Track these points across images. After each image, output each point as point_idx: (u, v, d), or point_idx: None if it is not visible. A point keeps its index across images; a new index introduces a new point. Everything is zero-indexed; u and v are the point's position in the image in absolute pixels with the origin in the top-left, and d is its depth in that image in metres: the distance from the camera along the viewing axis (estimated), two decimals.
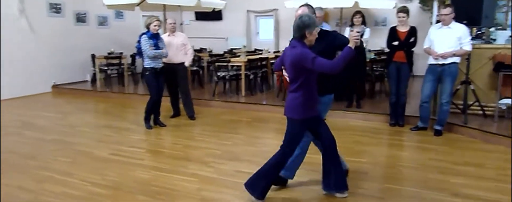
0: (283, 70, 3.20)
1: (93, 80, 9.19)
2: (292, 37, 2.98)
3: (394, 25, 5.37)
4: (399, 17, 5.19)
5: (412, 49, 5.29)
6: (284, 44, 11.11)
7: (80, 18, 9.44)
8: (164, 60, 5.57)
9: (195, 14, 12.23)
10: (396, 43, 5.21)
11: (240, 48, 10.72)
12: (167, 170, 3.92)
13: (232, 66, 7.64)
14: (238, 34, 11.96)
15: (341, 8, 9.00)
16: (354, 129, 5.44)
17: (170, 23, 5.86)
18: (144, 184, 3.58)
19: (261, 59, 7.91)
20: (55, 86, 8.90)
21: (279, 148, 3.15)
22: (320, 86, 3.09)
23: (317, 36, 2.93)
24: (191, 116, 6.06)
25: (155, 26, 5.29)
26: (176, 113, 6.20)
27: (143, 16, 11.31)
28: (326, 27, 5.51)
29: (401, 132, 5.27)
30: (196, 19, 12.39)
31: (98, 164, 4.12)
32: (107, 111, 7.12)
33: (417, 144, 4.79)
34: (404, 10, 5.20)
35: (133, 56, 9.37)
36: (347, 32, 6.02)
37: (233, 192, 3.35)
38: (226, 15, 11.93)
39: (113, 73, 8.96)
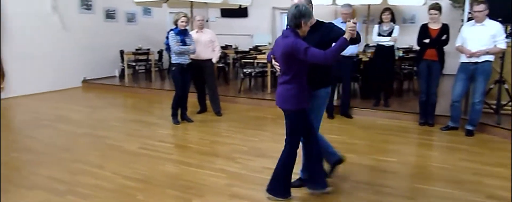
0: (273, 60, 3.11)
1: (121, 75, 9.40)
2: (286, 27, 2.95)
3: (425, 22, 5.25)
4: (431, 14, 5.07)
5: (444, 47, 5.17)
6: None
7: (110, 15, 9.65)
8: (192, 56, 5.63)
9: (220, 11, 12.30)
10: (427, 40, 5.10)
11: (265, 45, 10.73)
12: (195, 165, 3.98)
13: (258, 63, 7.65)
14: (263, 31, 11.95)
15: (369, 5, 8.87)
16: (382, 128, 5.37)
17: (198, 20, 5.92)
18: (173, 179, 3.65)
19: None
20: (85, 81, 9.14)
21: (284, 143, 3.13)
22: (317, 79, 3.06)
23: (309, 27, 2.87)
24: (218, 112, 6.11)
25: (182, 22, 5.35)
26: (203, 109, 6.27)
27: (170, 13, 11.46)
28: (337, 22, 5.49)
29: (431, 132, 5.16)
30: (222, 16, 12.45)
31: (128, 157, 4.22)
32: (135, 106, 7.27)
33: (448, 144, 4.69)
34: (436, 7, 5.08)
35: (160, 52, 9.52)
36: (375, 30, 5.93)
37: (262, 188, 3.36)
38: (251, 12, 11.93)
39: (140, 69, 9.14)
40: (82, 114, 6.31)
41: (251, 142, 4.79)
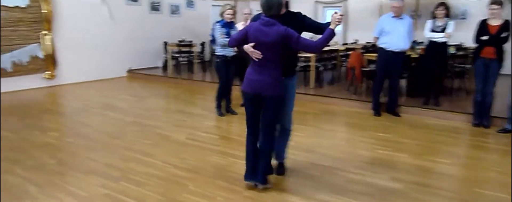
0: (250, 48, 2.95)
1: (164, 66, 9.57)
2: (259, 15, 3.09)
3: (483, 18, 4.99)
4: (492, 9, 4.80)
5: (503, 45, 4.89)
6: (353, 36, 10.93)
7: (154, 7, 9.84)
8: (236, 48, 5.61)
9: None
10: (486, 37, 4.84)
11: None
12: (241, 157, 3.93)
13: (300, 57, 7.55)
14: None
15: None
16: (432, 128, 5.17)
17: (245, 13, 5.90)
18: (221, 170, 3.67)
19: (331, 51, 7.75)
20: (130, 71, 9.39)
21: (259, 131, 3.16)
22: (289, 67, 3.18)
23: None
24: None
25: (228, 14, 5.34)
26: None
27: (212, 5, 11.57)
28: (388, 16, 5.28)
29: (486, 134, 4.91)
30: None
31: (177, 147, 4.28)
32: (178, 96, 7.39)
33: (506, 147, 4.44)
34: (497, 2, 4.80)
35: (202, 44, 9.62)
36: (428, 25, 5.69)
37: (312, 184, 3.32)
38: (293, 6, 11.62)
39: (183, 60, 9.27)
40: (129, 103, 6.48)
41: (295, 137, 4.70)
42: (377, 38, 5.58)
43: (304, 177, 3.51)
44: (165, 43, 9.30)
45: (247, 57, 3.14)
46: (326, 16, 11.97)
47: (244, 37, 3.04)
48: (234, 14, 5.43)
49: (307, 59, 7.40)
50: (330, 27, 2.87)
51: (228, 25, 5.40)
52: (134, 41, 9.37)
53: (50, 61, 7.81)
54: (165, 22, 10.11)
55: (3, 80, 7.12)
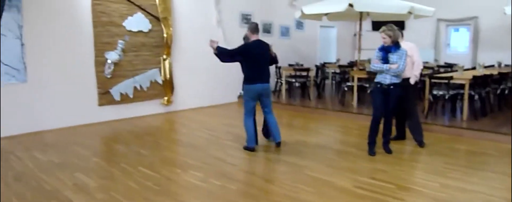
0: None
1: (277, 90, 8.94)
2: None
3: None
4: None
5: None
6: (483, 57, 9.48)
7: (266, 29, 9.35)
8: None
9: (371, 24, 11.27)
10: None
11: (428, 62, 9.40)
12: None
13: (451, 83, 6.37)
14: (424, 46, 10.57)
15: None
16: None
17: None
18: None
19: (490, 76, 6.49)
20: (240, 97, 8.90)
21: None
22: None
23: None
24: (420, 142, 5.08)
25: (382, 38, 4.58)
26: (400, 136, 5.31)
27: (321, 26, 10.88)
28: None
29: None
30: (373, 29, 11.40)
31: (350, 199, 3.42)
32: (305, 126, 6.62)
33: None
34: None
35: (318, 68, 8.86)
36: None
37: None
38: (410, 25, 10.66)
39: (296, 85, 8.56)
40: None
41: (497, 190, 3.64)
42: None
43: None
44: (279, 67, 8.68)
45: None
46: (450, 36, 10.63)
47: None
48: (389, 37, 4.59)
49: (459, 86, 6.20)
50: None
51: (385, 49, 4.58)
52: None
53: (168, 86, 7.54)
54: (276, 44, 9.48)
55: (123, 106, 6.92)
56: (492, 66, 8.44)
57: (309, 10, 7.30)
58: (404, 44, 4.98)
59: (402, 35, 5.27)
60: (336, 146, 5.21)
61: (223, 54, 5.00)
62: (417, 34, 10.60)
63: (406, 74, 4.98)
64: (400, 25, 10.59)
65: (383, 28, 4.61)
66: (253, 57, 4.81)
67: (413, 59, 5.04)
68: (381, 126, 4.78)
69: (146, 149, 5.02)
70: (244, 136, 5.02)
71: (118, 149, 5.13)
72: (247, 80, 4.87)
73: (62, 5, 6.09)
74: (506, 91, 7.13)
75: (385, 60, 4.63)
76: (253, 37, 4.96)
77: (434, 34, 10.46)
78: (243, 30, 9.01)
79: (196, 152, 4.90)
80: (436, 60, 10.03)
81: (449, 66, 8.61)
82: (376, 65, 4.64)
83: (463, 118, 6.15)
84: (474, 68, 8.10)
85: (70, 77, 6.27)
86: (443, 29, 10.49)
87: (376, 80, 4.74)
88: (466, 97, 6.08)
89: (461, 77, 6.12)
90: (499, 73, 6.87)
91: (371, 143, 4.79)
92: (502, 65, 8.35)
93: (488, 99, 6.67)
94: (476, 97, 6.16)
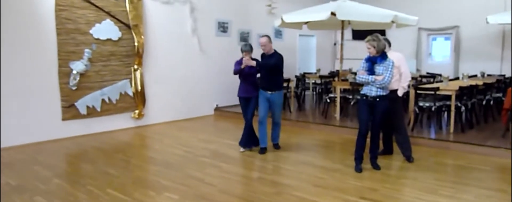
0: None
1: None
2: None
3: None
4: None
5: None
6: (465, 67, 9.43)
7: (243, 38, 9.02)
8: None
9: (352, 33, 11.13)
10: None
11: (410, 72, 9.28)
12: None
13: (437, 94, 6.17)
14: (405, 56, 10.45)
15: None
16: None
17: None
18: None
19: (475, 87, 6.32)
20: (217, 109, 8.50)
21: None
22: None
23: None
24: (408, 157, 4.80)
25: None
26: (387, 151, 5.02)
27: (300, 35, 10.66)
28: None
29: None
30: (353, 38, 11.27)
31: None
32: (284, 140, 6.25)
33: None
34: None
35: (298, 78, 8.58)
36: None
37: None
38: (390, 34, 10.54)
39: None
40: (237, 150, 5.41)
41: None
42: None
43: None
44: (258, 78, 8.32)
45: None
46: (431, 45, 10.57)
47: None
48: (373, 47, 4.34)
49: (446, 97, 6.00)
50: None
51: (371, 60, 4.33)
52: (222, 74, 8.51)
53: (139, 99, 7.06)
54: (253, 53, 9.20)
55: (90, 120, 6.40)
56: (475, 76, 8.36)
57: (290, 18, 7.00)
58: (391, 54, 4.74)
59: (390, 45, 5.03)
60: (321, 163, 4.87)
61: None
62: (398, 44, 10.45)
63: (394, 86, 4.73)
64: (381, 34, 10.57)
65: (368, 38, 4.36)
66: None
67: (400, 70, 4.80)
68: (368, 140, 4.50)
69: (116, 169, 4.54)
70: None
71: (84, 168, 4.62)
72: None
73: (22, 11, 5.57)
74: (491, 102, 7.02)
75: (371, 71, 4.37)
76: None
77: (415, 43, 10.39)
78: (220, 39, 8.70)
79: (171, 171, 4.46)
80: (418, 70, 9.93)
81: (432, 76, 8.48)
82: (361, 76, 4.37)
83: (450, 130, 5.94)
84: (457, 78, 7.98)
85: (31, 89, 5.72)
86: (425, 38, 10.43)
87: (361, 92, 4.48)
88: (452, 108, 5.88)
89: (448, 88, 5.93)
90: (484, 84, 6.74)
91: (358, 158, 4.48)
92: (485, 75, 8.27)
93: (474, 111, 6.51)
94: (463, 108, 5.98)
